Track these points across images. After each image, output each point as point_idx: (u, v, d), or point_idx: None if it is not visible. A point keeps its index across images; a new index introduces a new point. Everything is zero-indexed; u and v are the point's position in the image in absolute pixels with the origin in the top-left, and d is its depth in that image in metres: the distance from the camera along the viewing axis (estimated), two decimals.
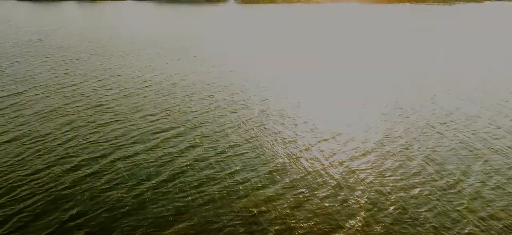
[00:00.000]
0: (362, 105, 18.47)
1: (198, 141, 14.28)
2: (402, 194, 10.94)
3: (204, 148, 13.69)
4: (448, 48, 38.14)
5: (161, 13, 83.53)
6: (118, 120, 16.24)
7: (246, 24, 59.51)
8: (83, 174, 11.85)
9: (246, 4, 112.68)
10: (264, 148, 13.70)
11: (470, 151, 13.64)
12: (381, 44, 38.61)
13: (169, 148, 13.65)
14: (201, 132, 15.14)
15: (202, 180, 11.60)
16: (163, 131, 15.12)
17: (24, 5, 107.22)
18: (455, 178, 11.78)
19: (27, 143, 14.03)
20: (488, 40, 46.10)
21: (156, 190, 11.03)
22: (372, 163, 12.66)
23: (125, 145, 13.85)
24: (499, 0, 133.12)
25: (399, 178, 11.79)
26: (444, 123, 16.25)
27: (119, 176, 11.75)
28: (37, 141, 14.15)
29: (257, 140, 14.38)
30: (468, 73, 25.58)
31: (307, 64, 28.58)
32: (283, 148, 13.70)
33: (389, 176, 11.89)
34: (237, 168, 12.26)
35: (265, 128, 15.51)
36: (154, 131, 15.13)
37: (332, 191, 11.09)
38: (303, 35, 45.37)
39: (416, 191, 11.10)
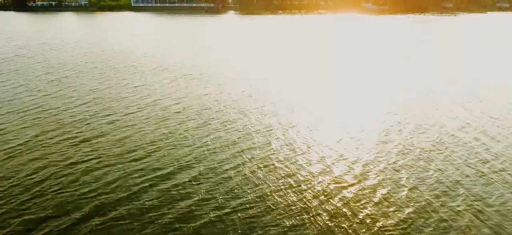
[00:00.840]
0: (383, 124, 15.56)
1: (195, 187, 11.37)
2: None
3: (203, 199, 10.76)
4: (461, 59, 35.69)
5: (160, 25, 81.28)
6: (98, 158, 13.31)
7: (248, 37, 57.07)
8: None
9: (246, 15, 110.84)
10: (277, 204, 10.79)
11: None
12: (392, 56, 35.98)
13: (160, 199, 10.73)
14: (199, 174, 12.24)
15: None
16: (152, 174, 12.20)
17: (20, 16, 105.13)
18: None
19: None
20: (501, 50, 43.80)
21: None
22: (412, 208, 9.75)
23: (102, 195, 10.93)
24: (504, 11, 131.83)
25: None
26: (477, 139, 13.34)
27: None
28: None
29: (268, 188, 11.46)
30: (483, 86, 23.00)
31: (319, 82, 25.86)
32: (300, 199, 10.79)
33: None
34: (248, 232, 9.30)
35: (278, 169, 12.60)
36: (140, 174, 12.21)
37: None
38: (311, 48, 42.76)
39: None
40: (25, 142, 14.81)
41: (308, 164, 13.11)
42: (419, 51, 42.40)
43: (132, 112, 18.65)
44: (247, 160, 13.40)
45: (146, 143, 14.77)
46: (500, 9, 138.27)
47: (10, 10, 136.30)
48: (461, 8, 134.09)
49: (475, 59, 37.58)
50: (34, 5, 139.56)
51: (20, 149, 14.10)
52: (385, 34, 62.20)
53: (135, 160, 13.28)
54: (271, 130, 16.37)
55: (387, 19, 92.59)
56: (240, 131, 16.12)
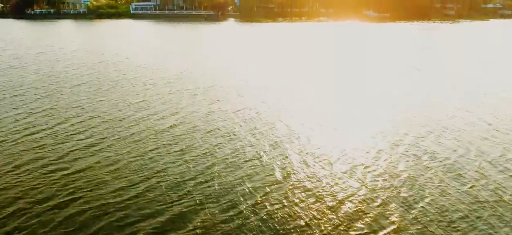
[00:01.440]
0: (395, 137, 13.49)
1: (199, 227, 9.27)
2: None
3: None
4: (463, 66, 34.56)
5: (159, 32, 79.56)
6: (82, 198, 11.13)
7: (249, 44, 55.23)
8: None
9: (246, 22, 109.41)
10: None
11: None
12: (395, 63, 34.07)
13: None
14: (207, 218, 10.13)
15: None
16: (149, 221, 10.05)
17: (19, 24, 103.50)
18: None
19: None
20: (503, 56, 42.71)
21: None
22: None
23: None
24: (506, 18, 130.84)
25: None
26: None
27: None
28: None
29: (283, 223, 9.35)
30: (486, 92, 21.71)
31: (328, 92, 23.90)
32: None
33: None
34: None
35: (298, 213, 10.47)
36: (135, 220, 10.08)
37: None
38: (315, 55, 40.79)
39: None
40: (4, 170, 12.66)
41: (334, 207, 10.98)
42: (421, 58, 41.29)
43: (128, 136, 16.52)
44: (262, 200, 11.25)
45: (142, 178, 12.59)
46: (502, 16, 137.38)
47: (8, 17, 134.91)
48: (463, 15, 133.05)
49: (478, 65, 36.68)
50: (32, 13, 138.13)
51: None
52: (387, 41, 60.62)
53: (128, 201, 11.10)
54: (286, 156, 14.25)
55: (389, 26, 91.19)
56: (252, 161, 13.96)
